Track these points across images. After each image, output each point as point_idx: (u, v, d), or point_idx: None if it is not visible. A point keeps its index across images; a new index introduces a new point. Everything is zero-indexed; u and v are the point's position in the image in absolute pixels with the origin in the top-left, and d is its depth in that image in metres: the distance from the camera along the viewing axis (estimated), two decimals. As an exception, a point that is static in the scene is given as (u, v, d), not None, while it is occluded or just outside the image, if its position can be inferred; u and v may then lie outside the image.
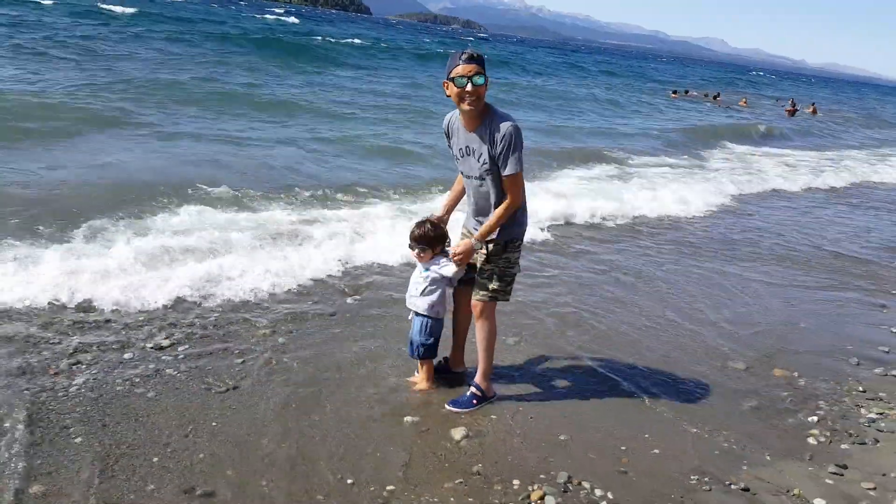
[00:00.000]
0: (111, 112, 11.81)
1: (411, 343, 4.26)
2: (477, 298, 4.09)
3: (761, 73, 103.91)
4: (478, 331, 4.18)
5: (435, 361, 4.43)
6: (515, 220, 4.00)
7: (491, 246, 4.01)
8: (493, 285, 4.04)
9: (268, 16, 64.96)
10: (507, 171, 3.78)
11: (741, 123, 25.31)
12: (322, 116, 14.78)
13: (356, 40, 40.93)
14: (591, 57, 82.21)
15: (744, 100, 37.49)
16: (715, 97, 36.02)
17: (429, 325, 4.19)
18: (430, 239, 4.11)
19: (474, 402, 4.20)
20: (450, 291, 4.25)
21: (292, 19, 67.19)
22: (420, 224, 4.16)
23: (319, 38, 38.91)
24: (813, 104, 38.41)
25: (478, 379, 4.23)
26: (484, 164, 3.85)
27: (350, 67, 27.29)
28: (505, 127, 3.72)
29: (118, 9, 34.23)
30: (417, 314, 4.22)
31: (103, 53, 19.92)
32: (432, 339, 4.21)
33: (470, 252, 3.99)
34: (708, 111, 30.35)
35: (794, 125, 28.01)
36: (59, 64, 16.83)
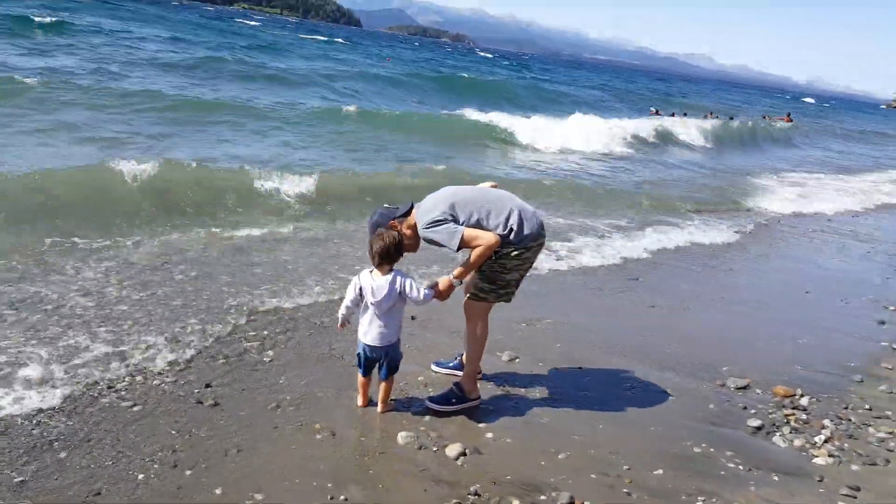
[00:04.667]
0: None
1: None
2: (467, 297, 4.19)
3: (811, 101, 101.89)
4: (466, 330, 4.24)
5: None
6: None
7: None
8: (482, 285, 4.08)
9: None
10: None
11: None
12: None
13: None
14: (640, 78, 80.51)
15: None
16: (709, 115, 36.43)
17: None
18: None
19: (452, 400, 4.18)
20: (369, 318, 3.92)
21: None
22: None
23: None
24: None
25: (461, 379, 4.27)
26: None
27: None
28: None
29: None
30: None
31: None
32: (357, 353, 4.02)
33: (449, 290, 4.03)
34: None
35: None
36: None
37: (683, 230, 10.02)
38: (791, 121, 37.82)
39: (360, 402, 4.12)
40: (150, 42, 27.72)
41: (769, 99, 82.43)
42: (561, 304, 6.29)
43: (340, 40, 60.38)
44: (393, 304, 3.88)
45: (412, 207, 4.09)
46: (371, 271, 3.88)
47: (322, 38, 58.12)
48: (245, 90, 19.42)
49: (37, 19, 25.67)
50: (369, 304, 3.86)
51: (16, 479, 3.14)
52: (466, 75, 35.01)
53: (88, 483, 3.17)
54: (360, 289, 3.87)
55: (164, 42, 29.19)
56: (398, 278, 3.85)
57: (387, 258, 3.83)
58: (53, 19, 26.65)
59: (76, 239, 6.35)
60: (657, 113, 34.51)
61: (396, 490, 3.36)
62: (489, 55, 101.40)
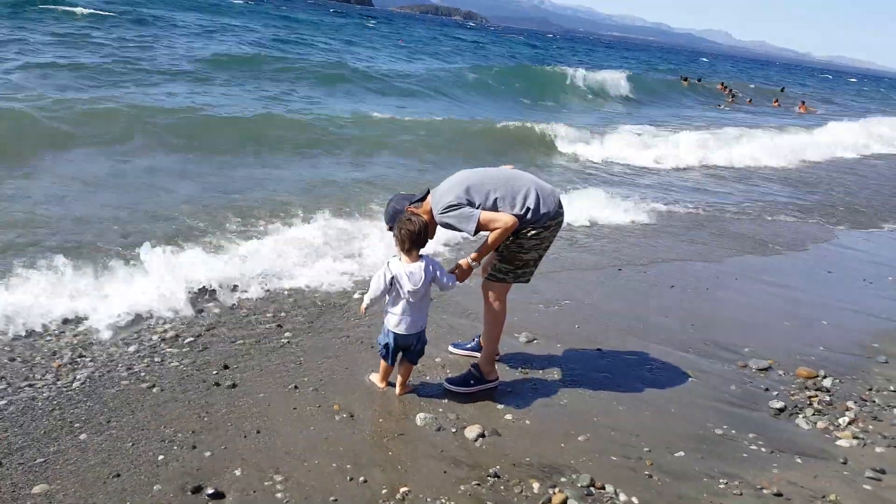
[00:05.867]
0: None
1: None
2: (485, 278, 4.16)
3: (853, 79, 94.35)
4: (484, 312, 4.20)
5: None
6: None
7: None
8: (499, 266, 4.05)
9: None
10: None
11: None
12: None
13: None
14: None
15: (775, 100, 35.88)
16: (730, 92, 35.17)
17: (385, 328, 3.94)
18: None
19: (471, 382, 4.17)
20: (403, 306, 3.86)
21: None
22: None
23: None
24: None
25: (479, 361, 4.24)
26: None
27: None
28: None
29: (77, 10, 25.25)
30: None
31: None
32: (384, 343, 3.93)
33: (468, 273, 4.04)
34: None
35: None
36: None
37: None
38: (807, 110, 32.77)
39: (380, 385, 4.10)
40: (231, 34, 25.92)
41: (810, 78, 77.70)
42: (579, 285, 6.22)
43: (372, 24, 60.49)
44: (426, 291, 3.84)
45: (428, 193, 4.04)
46: (399, 259, 3.82)
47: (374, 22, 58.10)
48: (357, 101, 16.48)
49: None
50: (404, 293, 3.77)
51: (37, 461, 3.15)
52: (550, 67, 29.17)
53: (108, 464, 3.18)
54: (392, 278, 3.76)
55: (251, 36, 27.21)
56: (430, 265, 3.81)
57: (416, 243, 3.77)
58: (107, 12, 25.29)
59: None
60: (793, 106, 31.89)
61: (416, 471, 3.35)
62: (516, 35, 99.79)
